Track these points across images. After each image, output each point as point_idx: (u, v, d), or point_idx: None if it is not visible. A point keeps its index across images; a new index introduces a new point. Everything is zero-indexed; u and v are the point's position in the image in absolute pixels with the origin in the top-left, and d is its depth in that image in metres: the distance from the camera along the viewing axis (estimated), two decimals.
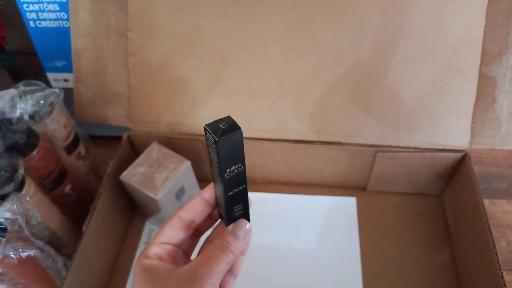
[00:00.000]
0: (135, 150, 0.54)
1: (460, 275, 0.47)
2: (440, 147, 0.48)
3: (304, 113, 0.49)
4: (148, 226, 0.55)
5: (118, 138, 0.52)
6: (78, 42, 0.48)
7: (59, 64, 0.66)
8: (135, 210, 0.56)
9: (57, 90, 0.42)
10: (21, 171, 0.36)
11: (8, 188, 0.35)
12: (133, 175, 0.46)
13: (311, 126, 0.49)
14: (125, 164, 0.48)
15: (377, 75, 0.47)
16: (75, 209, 0.49)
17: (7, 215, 0.32)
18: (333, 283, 0.48)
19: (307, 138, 0.50)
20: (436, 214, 0.54)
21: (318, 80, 0.48)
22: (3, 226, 0.34)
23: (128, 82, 0.50)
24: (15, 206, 0.33)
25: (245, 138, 0.51)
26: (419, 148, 0.49)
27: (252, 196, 0.56)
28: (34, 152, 0.41)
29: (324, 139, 0.50)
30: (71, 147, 0.48)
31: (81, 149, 0.50)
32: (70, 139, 0.47)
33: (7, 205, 0.33)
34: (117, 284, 0.49)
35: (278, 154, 0.52)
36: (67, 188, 0.47)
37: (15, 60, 0.68)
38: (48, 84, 0.70)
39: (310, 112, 0.49)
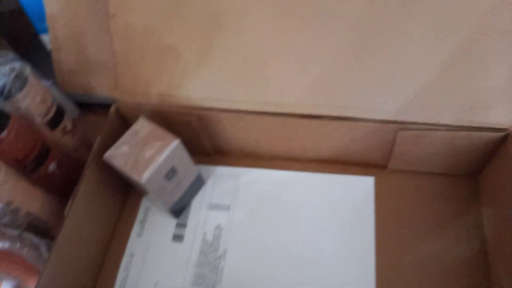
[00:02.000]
0: (125, 123, 0.49)
1: (491, 272, 0.41)
2: (477, 125, 0.40)
3: (311, 84, 0.42)
4: (145, 203, 0.51)
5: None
6: (51, 7, 0.43)
7: None
8: (130, 187, 0.52)
9: (24, 63, 0.37)
10: None
11: None
12: (117, 156, 0.42)
13: (320, 100, 0.42)
14: (114, 139, 0.44)
15: (401, 39, 0.38)
16: (65, 188, 0.46)
17: None
18: (342, 276, 0.43)
19: (315, 113, 0.43)
20: (468, 199, 0.46)
21: (329, 46, 0.40)
22: None
23: (112, 49, 0.44)
24: None
25: (245, 112, 0.45)
26: (450, 126, 0.40)
27: (257, 173, 0.51)
28: (4, 134, 0.37)
29: (335, 113, 0.42)
30: (54, 122, 0.44)
31: (66, 123, 0.46)
32: (52, 113, 0.43)
33: None
34: (110, 264, 0.47)
35: (282, 130, 0.46)
36: (52, 166, 0.44)
37: None
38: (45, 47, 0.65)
39: (318, 83, 0.41)
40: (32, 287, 0.44)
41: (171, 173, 0.44)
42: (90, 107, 0.51)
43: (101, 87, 0.46)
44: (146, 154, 0.41)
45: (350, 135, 0.44)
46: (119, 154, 0.42)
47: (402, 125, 0.41)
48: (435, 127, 0.40)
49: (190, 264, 0.46)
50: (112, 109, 0.47)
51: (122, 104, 0.47)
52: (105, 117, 0.47)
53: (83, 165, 0.49)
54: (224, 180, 0.52)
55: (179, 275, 0.46)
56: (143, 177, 0.40)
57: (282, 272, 0.44)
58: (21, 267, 0.37)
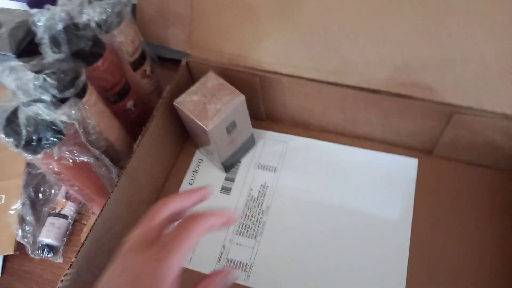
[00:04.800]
0: (192, 77, 0.53)
1: None
2: None
3: (376, 57, 0.44)
4: (198, 155, 0.55)
5: None
6: None
7: None
8: (187, 137, 0.56)
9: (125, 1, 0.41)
10: (83, 78, 0.36)
11: (68, 93, 0.35)
12: (186, 102, 0.45)
13: (381, 74, 0.44)
14: (181, 89, 0.47)
15: (474, 21, 0.39)
16: (135, 126, 0.50)
17: (63, 118, 0.33)
18: (377, 242, 0.46)
19: (374, 87, 0.45)
20: (510, 192, 0.47)
21: (398, 21, 0.42)
22: (59, 129, 0.35)
23: (191, 4, 0.47)
24: (73, 112, 0.34)
25: (305, 79, 0.47)
26: (507, 115, 0.42)
27: (305, 142, 0.54)
28: (99, 62, 0.41)
29: (394, 90, 0.44)
30: (137, 64, 0.48)
31: (146, 67, 0.49)
32: (137, 55, 0.47)
33: (64, 108, 0.34)
34: None
35: (339, 101, 0.48)
36: (129, 103, 0.48)
37: None
38: None
39: (383, 57, 0.43)
40: (95, 209, 0.49)
41: (232, 127, 0.47)
42: (161, 61, 0.55)
43: (176, 40, 0.50)
44: (213, 104, 0.45)
45: (404, 113, 0.46)
46: (188, 101, 0.45)
47: (457, 108, 0.43)
48: (491, 114, 0.42)
49: None
50: (183, 62, 0.51)
51: (193, 59, 0.50)
52: (174, 71, 0.51)
53: (153, 109, 0.53)
54: (273, 144, 0.55)
55: None
56: (209, 124, 0.44)
57: (319, 234, 0.47)
58: (95, 183, 0.42)
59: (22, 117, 0.33)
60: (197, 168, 0.54)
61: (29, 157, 0.34)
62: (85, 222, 0.52)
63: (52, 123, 0.34)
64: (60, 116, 0.33)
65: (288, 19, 0.45)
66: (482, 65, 0.41)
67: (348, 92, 0.46)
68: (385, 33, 0.43)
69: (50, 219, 0.50)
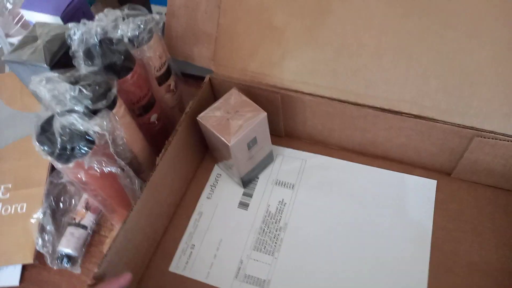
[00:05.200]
0: (214, 94, 0.54)
1: None
2: None
3: (398, 79, 0.44)
4: (216, 170, 0.56)
5: None
6: None
7: None
8: (206, 152, 0.57)
9: (157, 16, 0.43)
10: (114, 90, 0.38)
11: (100, 105, 0.36)
12: (209, 118, 0.46)
13: (403, 95, 0.45)
14: (203, 105, 0.48)
15: (497, 46, 0.40)
16: (157, 139, 0.51)
17: (96, 129, 0.34)
18: (395, 262, 0.45)
19: (396, 108, 0.46)
20: None
21: (421, 43, 0.43)
22: (91, 139, 0.36)
23: (218, 23, 0.49)
24: (105, 122, 0.35)
25: (327, 98, 0.48)
26: None
27: (323, 160, 0.55)
28: (129, 76, 0.42)
29: (415, 112, 0.45)
30: (162, 79, 0.49)
31: (171, 82, 0.51)
32: (163, 70, 0.48)
33: (97, 119, 0.35)
34: (181, 218, 0.52)
35: (359, 121, 0.49)
36: (153, 117, 0.49)
37: None
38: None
39: (405, 79, 0.44)
40: (115, 220, 0.50)
41: (252, 143, 0.48)
42: (184, 77, 0.56)
43: (200, 57, 0.51)
44: (236, 120, 0.45)
45: (425, 135, 0.46)
46: (211, 117, 0.46)
47: (480, 131, 0.43)
48: None
49: (252, 230, 0.50)
50: (207, 78, 0.52)
51: (216, 75, 0.51)
52: (196, 87, 0.52)
53: (175, 123, 0.54)
54: (291, 161, 0.55)
55: (242, 238, 0.49)
56: (231, 140, 0.44)
57: (336, 252, 0.47)
58: (119, 194, 0.42)
59: (57, 126, 0.34)
60: (215, 183, 0.55)
61: (60, 165, 0.35)
62: (103, 233, 0.52)
63: (86, 133, 0.35)
64: (93, 126, 0.34)
65: (312, 39, 0.46)
66: (505, 88, 0.41)
67: (369, 113, 0.47)
68: (408, 55, 0.43)
69: (70, 229, 0.51)
